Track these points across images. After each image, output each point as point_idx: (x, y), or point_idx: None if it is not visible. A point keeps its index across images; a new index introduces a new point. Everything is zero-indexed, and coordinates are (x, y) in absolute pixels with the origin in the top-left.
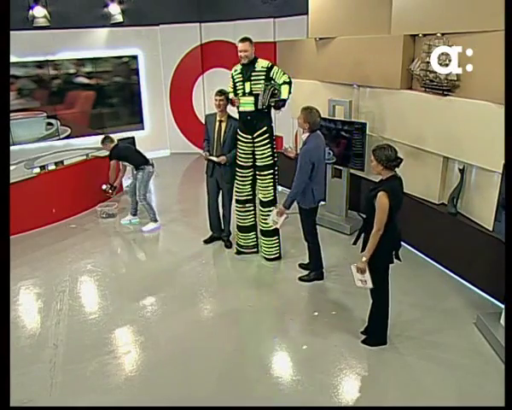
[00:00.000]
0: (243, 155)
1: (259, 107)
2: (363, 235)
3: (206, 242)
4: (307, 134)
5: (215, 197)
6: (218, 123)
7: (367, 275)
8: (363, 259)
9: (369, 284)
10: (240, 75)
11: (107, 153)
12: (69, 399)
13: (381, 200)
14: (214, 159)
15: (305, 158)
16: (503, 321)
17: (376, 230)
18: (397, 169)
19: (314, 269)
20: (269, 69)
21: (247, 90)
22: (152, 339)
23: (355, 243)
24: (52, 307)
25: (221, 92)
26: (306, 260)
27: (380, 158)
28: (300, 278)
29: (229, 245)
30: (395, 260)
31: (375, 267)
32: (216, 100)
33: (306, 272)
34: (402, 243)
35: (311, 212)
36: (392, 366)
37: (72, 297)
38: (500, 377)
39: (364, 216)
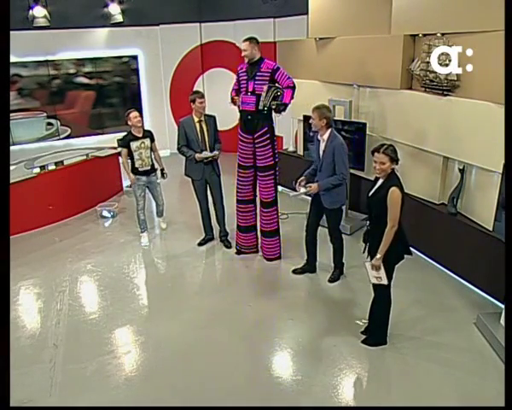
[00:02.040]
0: (244, 155)
1: (260, 108)
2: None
3: (201, 244)
4: (327, 132)
5: (206, 200)
6: (198, 125)
7: (382, 272)
8: (378, 256)
9: (384, 281)
10: (245, 74)
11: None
12: (69, 399)
13: (395, 195)
14: (214, 153)
15: (344, 150)
16: (503, 321)
17: (391, 226)
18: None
19: (340, 266)
20: (274, 71)
21: (250, 89)
22: (152, 339)
23: (364, 251)
24: (52, 307)
25: (201, 94)
26: (299, 265)
27: (393, 156)
28: (331, 281)
29: (228, 245)
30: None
31: (386, 264)
32: (202, 102)
33: (330, 275)
34: None
35: (341, 210)
36: (393, 366)
37: (72, 297)
38: (500, 377)
39: (368, 221)
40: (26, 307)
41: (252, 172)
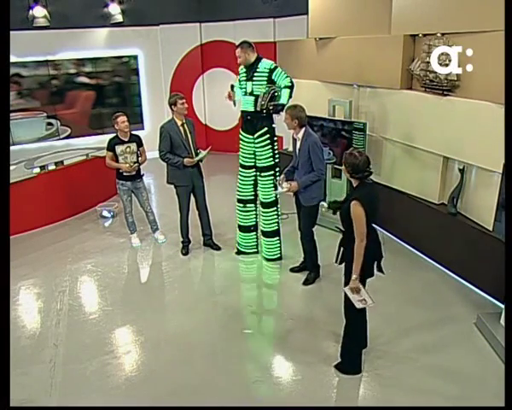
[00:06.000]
0: (245, 155)
1: (257, 109)
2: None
3: (186, 253)
4: (301, 131)
5: (189, 205)
6: (181, 128)
7: (363, 292)
8: (354, 276)
9: (369, 301)
10: (244, 74)
11: None
12: (69, 399)
13: (355, 209)
14: (204, 153)
15: (317, 146)
16: (503, 321)
17: (359, 242)
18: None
19: (313, 269)
20: (271, 71)
21: (249, 90)
22: (152, 339)
23: (336, 260)
24: (52, 307)
25: (181, 95)
26: (298, 263)
27: (347, 164)
28: (305, 283)
29: (216, 247)
30: (375, 273)
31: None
32: (183, 103)
33: (305, 277)
34: (402, 243)
35: (316, 208)
36: (392, 365)
37: (72, 297)
38: (500, 377)
39: (343, 229)
40: (26, 307)
41: (253, 172)
